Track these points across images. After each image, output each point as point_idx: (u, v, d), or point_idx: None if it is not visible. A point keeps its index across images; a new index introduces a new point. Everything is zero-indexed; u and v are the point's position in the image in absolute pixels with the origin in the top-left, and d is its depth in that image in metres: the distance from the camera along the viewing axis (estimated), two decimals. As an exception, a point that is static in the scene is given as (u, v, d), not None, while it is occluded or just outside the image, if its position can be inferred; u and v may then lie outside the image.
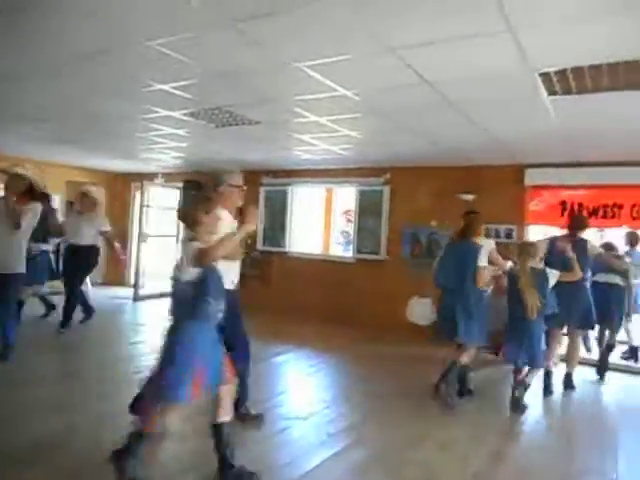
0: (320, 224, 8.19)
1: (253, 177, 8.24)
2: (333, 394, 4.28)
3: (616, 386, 4.94)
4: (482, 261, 4.05)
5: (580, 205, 5.57)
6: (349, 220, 8.30)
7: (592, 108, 3.68)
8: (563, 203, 5.71)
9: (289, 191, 8.09)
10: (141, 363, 4.80)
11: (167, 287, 8.07)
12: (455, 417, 3.83)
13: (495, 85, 3.28)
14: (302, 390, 4.38)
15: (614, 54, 2.69)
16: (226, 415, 2.65)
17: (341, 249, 8.26)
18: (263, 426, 3.44)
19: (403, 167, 6.90)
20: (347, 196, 7.97)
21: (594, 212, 5.51)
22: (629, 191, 5.32)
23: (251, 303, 8.05)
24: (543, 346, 3.99)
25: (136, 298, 8.38)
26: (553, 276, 3.91)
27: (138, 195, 9.47)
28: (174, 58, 3.10)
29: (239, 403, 3.28)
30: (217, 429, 2.63)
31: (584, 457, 3.27)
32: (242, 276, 9.27)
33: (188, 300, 2.48)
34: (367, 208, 7.34)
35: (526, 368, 3.99)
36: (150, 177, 9.20)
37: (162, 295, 8.82)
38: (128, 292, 8.69)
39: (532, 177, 5.88)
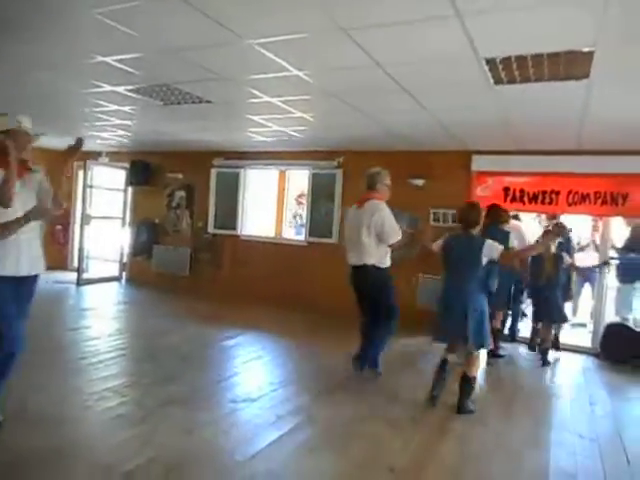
0: (273, 207, 8.12)
1: (204, 158, 8.05)
2: (282, 377, 4.30)
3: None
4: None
5: (522, 191, 5.81)
6: (300, 203, 8.29)
7: (533, 98, 3.81)
8: (506, 189, 5.93)
9: (241, 173, 7.96)
10: (86, 349, 4.65)
11: (111, 271, 7.80)
12: (402, 394, 3.95)
13: (444, 70, 3.33)
14: (251, 373, 4.38)
15: (556, 44, 2.79)
16: None
17: (293, 232, 8.24)
18: (212, 410, 3.42)
19: (356, 151, 6.94)
20: (300, 179, 7.94)
21: (534, 198, 5.76)
22: (566, 179, 5.60)
23: (202, 287, 8.01)
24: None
25: (80, 282, 8.05)
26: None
27: (81, 174, 9.02)
28: (118, 29, 2.94)
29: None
30: None
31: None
32: (194, 260, 9.16)
33: None
34: (320, 191, 7.35)
35: None
36: (94, 156, 8.79)
37: (107, 279, 8.56)
38: (71, 276, 8.33)
39: (478, 163, 6.07)
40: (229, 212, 8.05)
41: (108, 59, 3.55)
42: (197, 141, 7.18)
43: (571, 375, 5.02)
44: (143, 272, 8.62)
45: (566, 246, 5.45)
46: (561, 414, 3.86)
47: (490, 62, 3.07)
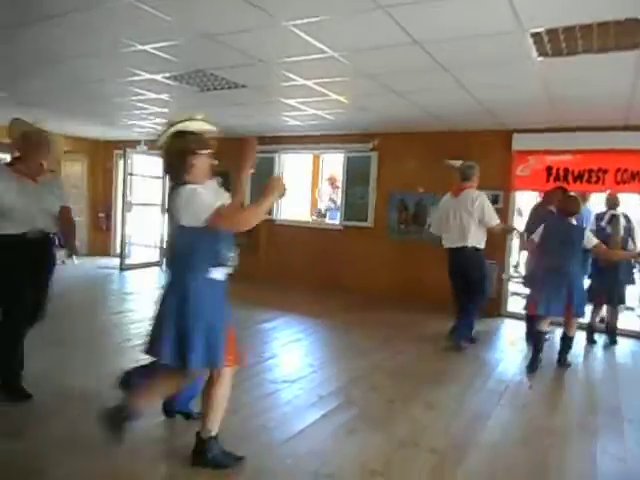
0: (308, 191, 8.13)
1: (238, 143, 8.09)
2: (321, 359, 4.34)
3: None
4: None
5: (566, 170, 5.59)
6: (336, 187, 8.24)
7: (580, 71, 3.65)
8: (549, 168, 5.72)
9: (276, 158, 7.99)
10: (131, 331, 4.82)
11: (152, 256, 7.96)
12: (444, 378, 3.93)
13: (485, 46, 3.22)
14: (290, 355, 4.44)
15: (605, 13, 2.65)
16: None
17: (327, 216, 8.23)
18: (253, 390, 3.49)
19: (391, 133, 6.84)
20: (335, 162, 7.90)
21: (579, 177, 5.54)
22: (613, 156, 5.35)
23: (239, 271, 8.08)
24: None
25: (122, 267, 8.33)
26: None
27: (121, 163, 9.27)
28: (155, 16, 2.98)
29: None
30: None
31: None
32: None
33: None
34: (355, 175, 7.30)
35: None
36: (133, 144, 8.99)
37: (148, 265, 8.81)
38: (114, 262, 8.62)
39: (519, 142, 5.87)
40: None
41: (146, 47, 3.61)
42: (232, 126, 7.23)
43: (622, 359, 4.86)
44: (182, 257, 8.80)
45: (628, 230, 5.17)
46: (609, 399, 3.75)
47: (535, 35, 2.95)
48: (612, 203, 5.13)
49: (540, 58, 3.37)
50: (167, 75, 4.38)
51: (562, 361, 4.33)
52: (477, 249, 4.64)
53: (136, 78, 4.55)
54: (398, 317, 5.95)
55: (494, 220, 4.65)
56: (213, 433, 2.44)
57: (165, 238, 2.34)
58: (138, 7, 2.86)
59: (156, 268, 8.81)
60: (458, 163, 6.37)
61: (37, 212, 3.01)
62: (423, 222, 6.77)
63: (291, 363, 4.21)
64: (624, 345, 5.20)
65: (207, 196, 2.21)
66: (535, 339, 4.29)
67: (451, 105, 5.01)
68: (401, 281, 6.88)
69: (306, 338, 4.95)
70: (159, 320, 2.33)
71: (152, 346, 2.32)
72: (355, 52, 3.52)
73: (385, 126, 6.52)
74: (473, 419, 3.21)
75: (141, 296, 6.69)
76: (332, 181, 8.41)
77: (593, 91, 4.21)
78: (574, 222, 4.27)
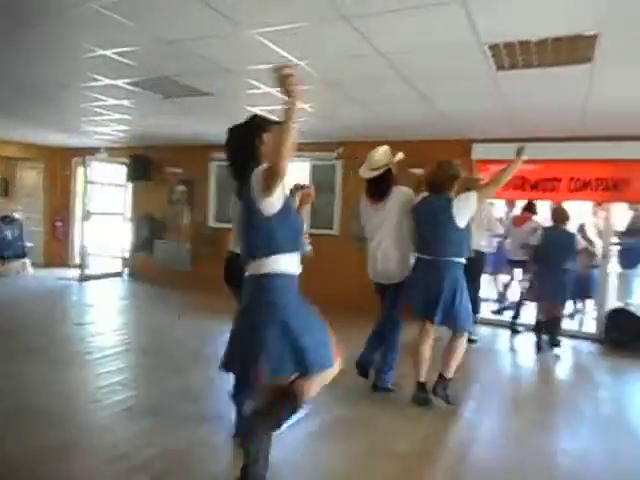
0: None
1: (203, 152, 8.02)
2: (289, 367, 4.30)
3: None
4: None
5: (522, 179, 5.79)
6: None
7: (536, 84, 3.80)
8: (507, 177, 5.91)
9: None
10: (93, 344, 4.65)
11: (113, 267, 7.77)
12: (411, 383, 3.96)
13: (446, 57, 3.31)
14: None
15: (559, 28, 2.77)
16: None
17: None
18: (219, 402, 3.43)
19: (355, 141, 6.91)
20: (300, 171, 7.91)
21: (535, 186, 5.75)
22: (567, 165, 5.59)
23: (204, 281, 7.98)
24: None
25: (82, 278, 8.06)
26: None
27: (80, 170, 9.00)
28: (117, 21, 2.92)
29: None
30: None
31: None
32: (195, 255, 9.12)
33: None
34: (321, 183, 7.32)
35: None
36: (92, 152, 8.75)
37: (109, 275, 8.56)
38: (73, 273, 8.33)
39: (478, 151, 6.05)
40: (229, 206, 8.01)
41: (107, 52, 3.53)
42: (197, 134, 7.15)
43: (576, 361, 5.05)
44: (145, 268, 8.61)
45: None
46: (566, 399, 3.88)
47: (493, 48, 3.05)
48: (558, 217, 5.14)
49: (498, 71, 3.49)
50: (128, 81, 4.29)
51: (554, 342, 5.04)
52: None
53: (96, 84, 4.43)
54: (365, 324, 5.97)
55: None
56: None
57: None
58: (101, 13, 2.80)
59: (117, 279, 8.56)
60: (420, 171, 6.52)
61: None
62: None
63: (258, 373, 4.16)
64: (582, 348, 5.40)
65: None
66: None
67: (413, 115, 5.12)
68: (365, 288, 6.91)
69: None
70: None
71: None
72: (319, 61, 3.55)
73: (350, 135, 6.59)
74: (442, 422, 3.25)
75: (102, 308, 6.48)
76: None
77: (548, 103, 4.39)
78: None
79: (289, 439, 2.88)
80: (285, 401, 2.17)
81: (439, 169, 3.54)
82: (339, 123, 5.85)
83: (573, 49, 3.02)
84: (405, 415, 3.34)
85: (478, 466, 2.72)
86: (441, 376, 3.48)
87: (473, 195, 3.37)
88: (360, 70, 3.70)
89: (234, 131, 2.34)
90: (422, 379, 3.50)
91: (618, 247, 5.88)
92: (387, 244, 3.62)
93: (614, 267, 5.92)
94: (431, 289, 3.33)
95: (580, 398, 3.87)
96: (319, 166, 7.31)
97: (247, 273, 2.22)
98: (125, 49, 3.45)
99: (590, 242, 5.48)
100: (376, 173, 3.58)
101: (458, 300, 3.33)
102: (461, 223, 3.32)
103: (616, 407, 3.74)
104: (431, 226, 3.39)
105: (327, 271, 7.20)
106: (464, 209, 3.32)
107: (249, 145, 2.21)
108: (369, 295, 6.81)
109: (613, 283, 5.92)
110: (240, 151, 2.27)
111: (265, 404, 2.21)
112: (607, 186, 5.37)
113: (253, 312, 2.16)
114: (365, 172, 3.62)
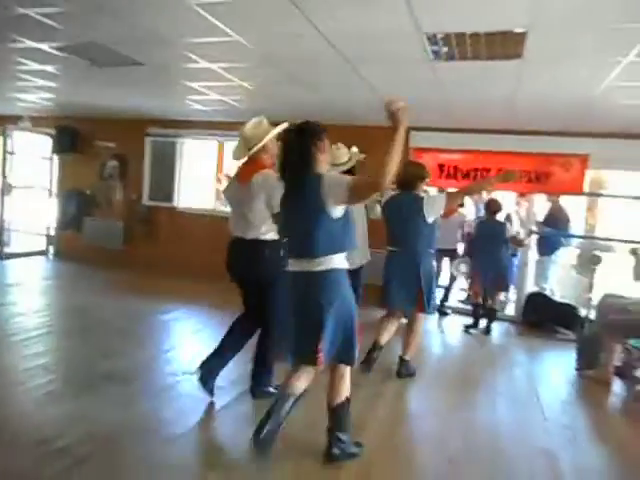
0: (212, 179, 7.90)
1: (138, 126, 7.66)
2: (224, 348, 4.28)
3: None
4: None
5: (455, 168, 6.03)
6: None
7: (470, 76, 3.94)
8: (441, 166, 6.14)
9: (178, 143, 7.68)
10: (15, 325, 4.38)
11: (37, 245, 7.32)
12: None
13: (386, 43, 3.35)
14: (191, 346, 4.33)
15: (492, 24, 2.89)
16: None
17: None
18: (150, 383, 3.37)
19: (294, 122, 6.87)
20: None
21: (466, 175, 6.01)
22: (496, 157, 5.88)
23: (137, 261, 7.71)
24: None
25: (1, 257, 7.51)
26: None
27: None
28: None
29: None
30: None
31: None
32: (128, 233, 8.77)
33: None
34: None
35: None
36: (15, 120, 8.10)
37: (32, 254, 8.04)
38: (-10, 250, 7.74)
39: (416, 139, 6.21)
40: (165, 183, 7.76)
41: (29, 11, 3.26)
42: (131, 108, 6.81)
43: (497, 341, 5.38)
44: (73, 246, 8.15)
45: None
46: (486, 376, 4.15)
47: (431, 38, 3.13)
48: (493, 208, 5.42)
49: (435, 61, 3.59)
50: (54, 45, 3.99)
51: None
52: None
53: (18, 45, 4.09)
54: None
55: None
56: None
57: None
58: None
59: (41, 258, 8.06)
60: (362, 156, 6.60)
61: None
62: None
63: (191, 354, 4.10)
64: (502, 329, 5.77)
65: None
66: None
67: (354, 99, 5.16)
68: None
69: (208, 328, 4.85)
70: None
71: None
72: (260, 38, 3.48)
73: (291, 116, 6.51)
74: (368, 398, 3.37)
75: (25, 287, 6.10)
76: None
77: (481, 95, 4.58)
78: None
79: (218, 421, 2.89)
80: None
81: (409, 169, 3.81)
82: (280, 104, 5.79)
83: (505, 45, 3.16)
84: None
85: (410, 437, 2.86)
86: (402, 359, 3.79)
87: (443, 196, 3.75)
88: (301, 50, 3.67)
89: (290, 134, 2.46)
90: (382, 342, 3.84)
91: (536, 236, 6.29)
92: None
93: (533, 254, 6.33)
94: (407, 282, 3.62)
95: (498, 375, 4.15)
96: (259, 147, 7.20)
97: (303, 268, 2.36)
98: (50, 10, 3.20)
99: (517, 232, 5.84)
100: (342, 169, 3.69)
101: (429, 289, 3.66)
102: (430, 219, 3.59)
103: (529, 382, 4.05)
104: (403, 221, 3.64)
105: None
106: (433, 206, 3.58)
107: (306, 151, 2.36)
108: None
109: (531, 269, 6.34)
110: (297, 155, 2.37)
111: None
112: (530, 178, 5.71)
113: (312, 304, 2.32)
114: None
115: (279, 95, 5.35)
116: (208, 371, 3.12)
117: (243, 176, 3.08)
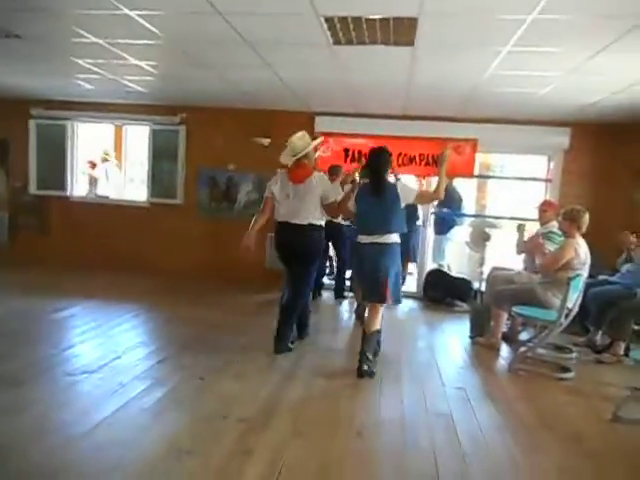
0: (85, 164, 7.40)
1: (20, 107, 6.94)
2: (126, 344, 4.07)
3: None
4: None
5: (359, 152, 6.21)
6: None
7: (368, 61, 4.04)
8: (346, 150, 6.29)
9: (69, 126, 7.08)
10: None
11: None
12: (250, 348, 4.06)
13: (285, 25, 3.33)
14: (91, 343, 4.06)
15: (385, 9, 2.97)
16: None
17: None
18: (46, 385, 3.13)
19: (200, 107, 6.65)
20: (138, 137, 7.36)
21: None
22: (396, 141, 6.12)
23: (26, 255, 7.04)
24: None
25: None
26: None
27: None
28: None
29: None
30: None
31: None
32: (13, 226, 8.01)
33: None
34: (162, 149, 6.92)
35: None
36: None
37: None
38: None
39: (321, 124, 6.30)
40: (56, 171, 7.13)
41: None
42: (10, 86, 6.14)
43: (400, 317, 5.67)
44: (-55, 242, 7.25)
45: None
46: (392, 349, 4.37)
47: (329, 21, 3.16)
48: None
49: (335, 45, 3.64)
50: None
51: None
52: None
53: None
54: (209, 296, 5.92)
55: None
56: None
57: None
58: None
59: None
60: (267, 141, 6.56)
61: None
62: (234, 199, 6.82)
63: (91, 352, 3.86)
64: (406, 305, 6.09)
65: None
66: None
67: (258, 83, 5.08)
68: (213, 259, 6.84)
69: (108, 323, 4.58)
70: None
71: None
72: (152, 13, 3.28)
73: (194, 99, 6.31)
74: (280, 383, 3.40)
75: None
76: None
77: (378, 81, 4.73)
78: None
79: (121, 419, 2.76)
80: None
81: (378, 154, 3.72)
82: (182, 86, 5.55)
83: (398, 31, 3.27)
84: (245, 379, 3.43)
85: (319, 417, 2.93)
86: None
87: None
88: (201, 29, 3.53)
89: (377, 153, 3.71)
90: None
91: (433, 216, 6.68)
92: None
93: (430, 233, 6.72)
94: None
95: (402, 348, 4.39)
96: (160, 131, 6.88)
97: (372, 240, 3.63)
98: None
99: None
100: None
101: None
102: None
103: (429, 353, 4.33)
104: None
105: (171, 241, 6.92)
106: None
107: (386, 167, 3.70)
108: (212, 263, 6.78)
109: (430, 247, 6.74)
110: (382, 169, 3.68)
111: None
112: (428, 161, 6.04)
113: (382, 262, 3.61)
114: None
115: (182, 78, 5.13)
116: (283, 341, 3.98)
117: (297, 177, 3.87)
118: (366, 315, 3.82)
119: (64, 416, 2.76)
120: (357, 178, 4.14)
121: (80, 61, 4.65)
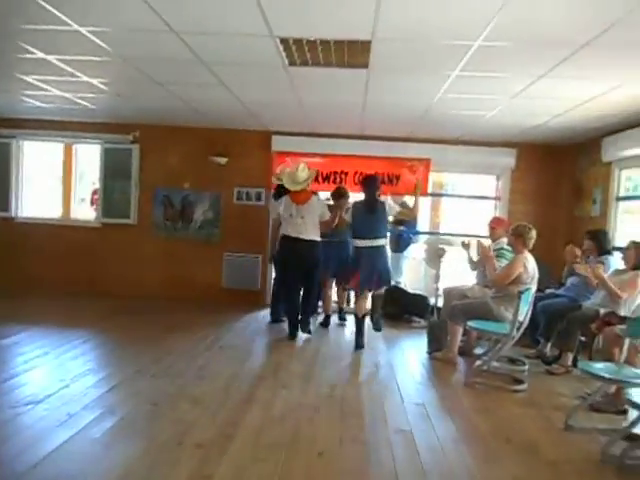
0: (59, 185, 7.12)
1: (-41, 124, 6.60)
2: (75, 371, 3.87)
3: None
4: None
5: (317, 172, 6.25)
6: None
7: (323, 82, 4.12)
8: (303, 169, 6.33)
9: (14, 144, 6.79)
10: None
11: None
12: (207, 372, 3.96)
13: (240, 45, 3.35)
14: (36, 372, 3.83)
15: (339, 31, 3.04)
16: None
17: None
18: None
19: (154, 125, 6.55)
20: (90, 154, 7.12)
21: (327, 178, 6.32)
22: (352, 160, 6.28)
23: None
24: None
25: None
26: None
27: None
28: None
29: None
30: None
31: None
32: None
33: None
34: (115, 168, 6.74)
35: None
36: None
37: None
38: None
39: (278, 144, 6.35)
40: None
41: None
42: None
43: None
44: None
45: None
46: (352, 366, 4.36)
47: (284, 42, 3.20)
48: None
49: (290, 66, 3.69)
50: None
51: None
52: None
53: None
54: (164, 318, 5.75)
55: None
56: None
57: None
58: None
59: None
60: (223, 161, 6.52)
61: None
62: (190, 219, 6.71)
63: (36, 382, 3.64)
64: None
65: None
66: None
67: (214, 102, 5.07)
68: (169, 280, 6.68)
69: (55, 350, 4.34)
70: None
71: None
72: (102, 30, 3.22)
73: (148, 117, 6.21)
74: (238, 406, 3.32)
75: None
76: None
77: (334, 102, 4.83)
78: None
79: (69, 452, 2.61)
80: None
81: (372, 181, 5.01)
82: (135, 104, 5.46)
83: (352, 54, 3.36)
84: (202, 403, 3.33)
85: (280, 437, 2.86)
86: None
87: (394, 207, 5.27)
88: (154, 47, 3.50)
89: (371, 180, 5.02)
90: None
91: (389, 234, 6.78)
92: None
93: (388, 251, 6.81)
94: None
95: (362, 364, 4.39)
96: (112, 149, 6.71)
97: (369, 244, 4.79)
98: None
99: None
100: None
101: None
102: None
103: (389, 369, 4.36)
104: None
105: (124, 262, 6.70)
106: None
107: (378, 190, 4.99)
108: (168, 284, 6.61)
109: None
110: (376, 192, 4.92)
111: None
112: (383, 180, 6.17)
113: (377, 258, 4.83)
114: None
115: (135, 95, 5.05)
116: (297, 324, 5.14)
117: (300, 199, 4.97)
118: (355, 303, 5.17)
119: (7, 450, 2.57)
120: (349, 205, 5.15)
121: (27, 77, 4.50)
